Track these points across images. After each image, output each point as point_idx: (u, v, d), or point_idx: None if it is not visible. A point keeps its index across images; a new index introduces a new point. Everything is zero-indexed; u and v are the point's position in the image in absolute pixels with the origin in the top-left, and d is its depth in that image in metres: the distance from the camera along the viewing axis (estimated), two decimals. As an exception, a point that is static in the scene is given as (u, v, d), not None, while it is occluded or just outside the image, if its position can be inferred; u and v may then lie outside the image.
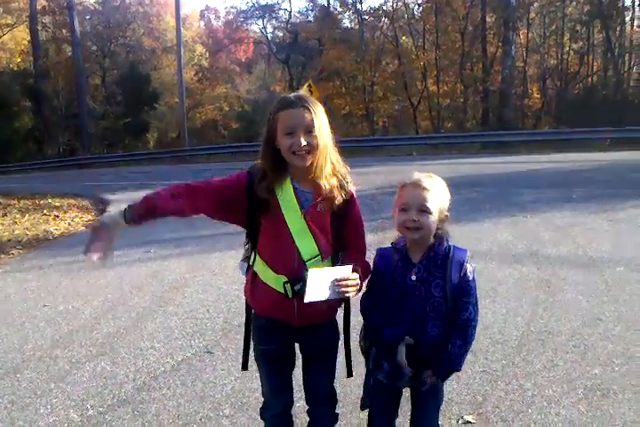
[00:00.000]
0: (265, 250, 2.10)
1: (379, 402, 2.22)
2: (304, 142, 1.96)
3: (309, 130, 1.97)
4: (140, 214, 1.99)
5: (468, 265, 2.07)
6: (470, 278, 2.06)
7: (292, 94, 2.05)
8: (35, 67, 35.06)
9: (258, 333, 2.20)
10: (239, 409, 3.12)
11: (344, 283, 1.95)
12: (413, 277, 2.04)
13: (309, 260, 2.04)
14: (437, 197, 2.02)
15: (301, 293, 1.95)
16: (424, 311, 2.04)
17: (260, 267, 2.12)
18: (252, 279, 2.17)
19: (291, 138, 1.97)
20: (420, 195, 2.00)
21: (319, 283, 1.91)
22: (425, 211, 1.99)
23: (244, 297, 2.28)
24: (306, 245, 2.04)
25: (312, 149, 1.98)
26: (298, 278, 2.01)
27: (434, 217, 2.01)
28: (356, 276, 1.99)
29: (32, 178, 22.69)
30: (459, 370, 2.11)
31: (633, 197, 8.61)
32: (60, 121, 35.06)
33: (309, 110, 1.97)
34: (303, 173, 2.05)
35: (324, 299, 1.93)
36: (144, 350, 4.02)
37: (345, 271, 1.96)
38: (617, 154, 15.30)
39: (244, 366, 2.31)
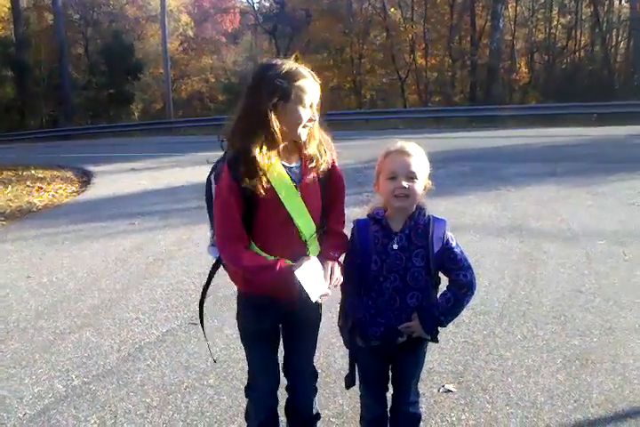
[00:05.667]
0: (262, 235, 2.03)
1: (369, 371, 2.23)
2: (314, 117, 2.00)
3: (315, 104, 2.00)
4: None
5: (448, 233, 2.07)
6: (454, 245, 2.07)
7: (288, 61, 1.98)
8: (16, 35, 34.21)
9: (250, 313, 2.17)
10: (224, 379, 3.15)
11: (334, 276, 2.00)
12: (395, 246, 2.03)
13: (309, 238, 2.03)
14: (422, 162, 2.04)
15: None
16: (404, 281, 2.04)
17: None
18: None
19: (309, 111, 1.97)
20: (406, 161, 2.00)
21: (311, 278, 1.90)
22: (413, 177, 1.99)
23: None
24: (304, 223, 2.02)
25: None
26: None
27: (421, 183, 2.02)
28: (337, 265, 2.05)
29: (14, 149, 22.38)
30: (442, 323, 2.11)
31: (616, 171, 8.69)
32: (43, 91, 34.39)
33: (318, 83, 2.01)
34: (289, 148, 2.03)
35: (324, 292, 1.93)
36: (129, 322, 4.03)
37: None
38: (602, 129, 15.35)
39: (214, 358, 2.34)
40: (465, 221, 6.15)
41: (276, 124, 1.92)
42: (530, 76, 31.05)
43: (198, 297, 4.34)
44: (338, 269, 2.03)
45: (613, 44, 29.60)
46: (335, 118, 20.74)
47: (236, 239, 2.00)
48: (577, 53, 30.62)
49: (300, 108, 1.95)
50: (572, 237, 5.48)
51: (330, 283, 2.00)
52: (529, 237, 5.53)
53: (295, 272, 1.87)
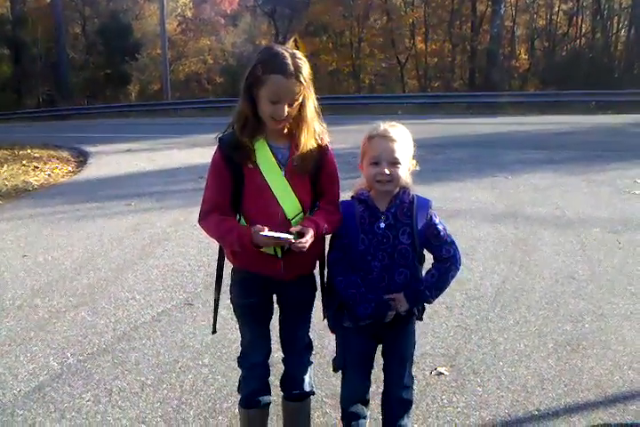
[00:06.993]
0: (249, 213, 2.06)
1: (355, 351, 2.23)
2: (285, 113, 1.94)
3: (293, 102, 1.94)
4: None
5: (432, 210, 2.09)
6: (437, 222, 2.08)
7: (287, 51, 1.93)
8: (12, 13, 33.85)
9: (239, 287, 2.19)
10: (218, 358, 3.17)
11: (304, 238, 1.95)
12: (382, 225, 2.05)
13: (293, 218, 2.03)
14: (405, 146, 2.03)
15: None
16: (392, 259, 2.06)
17: None
18: None
19: (272, 106, 1.93)
20: (389, 147, 2.00)
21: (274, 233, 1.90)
22: (396, 163, 2.00)
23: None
24: (289, 203, 2.03)
25: (289, 116, 1.97)
26: None
27: (404, 168, 2.03)
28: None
29: (11, 128, 22.25)
30: (428, 299, 2.11)
31: (613, 159, 8.71)
32: (39, 70, 34.14)
33: (300, 82, 1.91)
34: (278, 129, 2.03)
35: (290, 236, 1.90)
36: (124, 301, 4.04)
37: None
38: (601, 117, 15.36)
39: (214, 330, 2.36)
40: (461, 206, 6.16)
41: (248, 108, 1.97)
42: (529, 63, 30.94)
43: (193, 278, 4.37)
44: (310, 234, 1.94)
45: (614, 31, 29.45)
46: (333, 102, 20.68)
47: (215, 210, 2.05)
48: (577, 41, 30.47)
49: (266, 101, 1.93)
50: (567, 224, 5.50)
51: (295, 242, 1.94)
52: (524, 223, 5.55)
53: (261, 233, 1.87)
